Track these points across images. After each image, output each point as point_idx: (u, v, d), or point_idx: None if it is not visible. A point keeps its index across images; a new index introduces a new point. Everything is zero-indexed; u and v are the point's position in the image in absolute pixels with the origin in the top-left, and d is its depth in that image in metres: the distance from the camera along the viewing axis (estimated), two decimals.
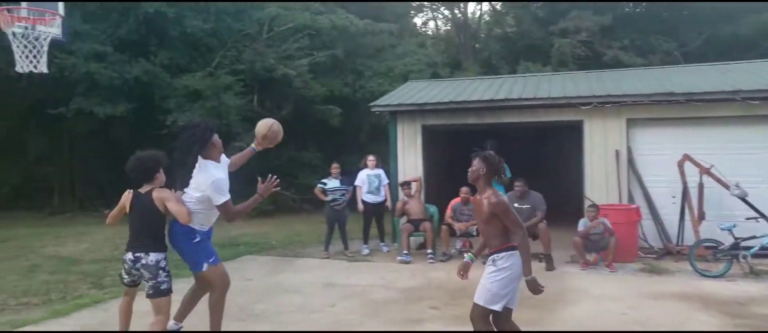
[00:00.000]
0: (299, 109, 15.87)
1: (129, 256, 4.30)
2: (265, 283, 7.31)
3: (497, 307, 3.87)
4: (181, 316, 4.76)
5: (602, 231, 7.88)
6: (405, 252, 8.54)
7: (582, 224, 8.01)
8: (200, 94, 14.11)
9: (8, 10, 4.64)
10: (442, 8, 25.80)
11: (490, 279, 3.90)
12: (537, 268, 7.80)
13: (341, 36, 17.27)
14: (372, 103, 10.53)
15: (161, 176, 4.40)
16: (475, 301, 3.93)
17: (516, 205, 8.27)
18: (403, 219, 9.14)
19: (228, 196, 4.46)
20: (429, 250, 8.64)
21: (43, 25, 4.75)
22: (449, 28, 26.65)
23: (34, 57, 4.69)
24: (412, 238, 8.93)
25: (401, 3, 23.73)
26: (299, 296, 6.61)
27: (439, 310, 5.99)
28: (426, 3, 26.06)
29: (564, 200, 11.12)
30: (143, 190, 4.34)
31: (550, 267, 7.85)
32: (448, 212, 8.90)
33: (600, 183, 9.19)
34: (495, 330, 3.96)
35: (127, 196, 4.38)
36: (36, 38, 4.70)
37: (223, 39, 16.03)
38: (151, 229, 4.31)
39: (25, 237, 11.99)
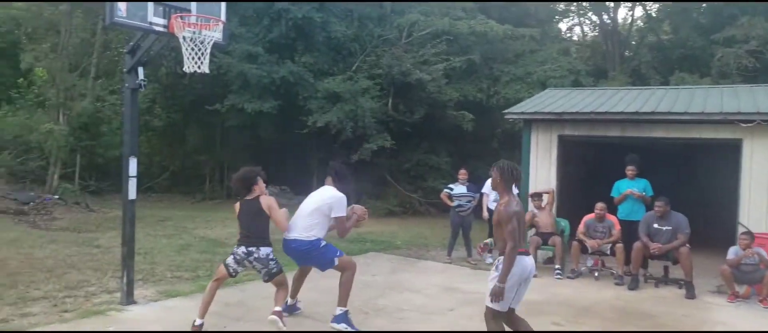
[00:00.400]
0: (431, 113, 16.03)
1: (241, 249, 5.12)
2: (388, 281, 7.52)
3: (500, 307, 4.22)
4: (294, 293, 5.76)
5: (757, 262, 7.08)
6: None
7: (733, 252, 7.26)
8: (340, 97, 14.77)
9: (181, 17, 5.25)
10: (589, 13, 24.61)
11: (491, 280, 4.28)
12: (676, 294, 7.33)
13: (479, 41, 17.15)
14: (506, 111, 10.33)
15: (260, 185, 5.25)
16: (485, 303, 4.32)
17: (655, 225, 7.73)
18: (532, 231, 8.90)
19: (346, 213, 5.47)
20: (557, 266, 8.33)
21: (208, 30, 5.33)
22: (596, 34, 25.37)
23: (199, 58, 5.26)
24: (539, 252, 8.66)
25: (545, 6, 22.92)
26: (420, 297, 6.72)
27: (562, 326, 5.77)
28: (572, 8, 24.98)
29: (712, 224, 10.15)
30: (250, 197, 5.22)
31: (690, 294, 7.22)
32: (581, 228, 8.52)
33: (759, 209, 8.23)
34: (505, 330, 4.36)
35: (236, 206, 5.29)
36: (201, 41, 5.28)
37: (363, 44, 16.66)
38: (260, 228, 5.13)
39: (180, 218, 13.39)
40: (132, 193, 5.98)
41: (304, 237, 5.28)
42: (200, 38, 5.28)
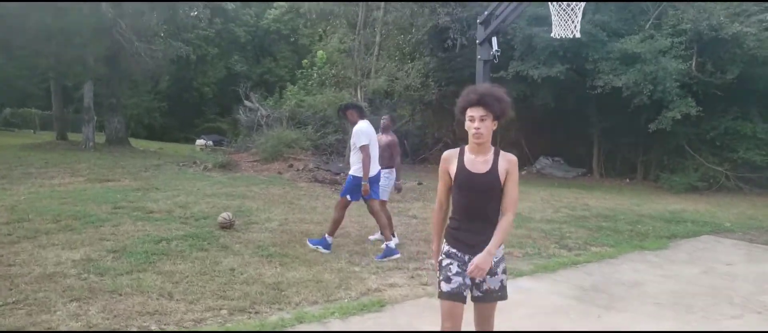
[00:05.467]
0: (747, 72, 13.64)
1: None
2: (754, 272, 6.42)
3: None
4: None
5: None
6: None
7: None
8: (637, 58, 13.38)
9: None
10: None
11: None
12: None
13: None
14: None
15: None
16: None
17: None
18: None
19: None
20: None
21: None
22: None
23: (570, 23, 4.92)
24: None
25: None
26: None
27: None
28: None
29: None
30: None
31: None
32: None
33: None
34: None
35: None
36: (572, 9, 4.92)
37: None
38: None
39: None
40: None
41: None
42: (571, 6, 4.92)
